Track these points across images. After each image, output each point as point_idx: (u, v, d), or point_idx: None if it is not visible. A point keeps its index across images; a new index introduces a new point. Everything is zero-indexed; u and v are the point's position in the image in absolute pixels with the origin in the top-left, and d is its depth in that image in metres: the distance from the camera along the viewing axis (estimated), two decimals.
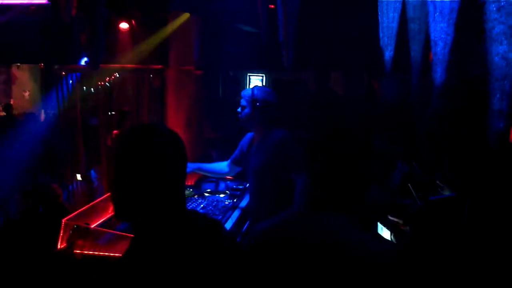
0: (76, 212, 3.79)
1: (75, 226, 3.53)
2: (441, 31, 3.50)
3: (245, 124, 4.07)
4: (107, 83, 7.06)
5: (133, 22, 6.64)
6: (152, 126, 1.73)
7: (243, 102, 3.99)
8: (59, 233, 3.53)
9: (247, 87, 9.42)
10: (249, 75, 9.31)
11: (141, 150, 1.63)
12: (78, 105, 6.90)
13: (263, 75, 9.28)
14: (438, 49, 3.55)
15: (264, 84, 9.00)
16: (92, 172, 6.41)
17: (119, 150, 1.66)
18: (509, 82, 2.42)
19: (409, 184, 3.48)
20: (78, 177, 6.25)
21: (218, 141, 6.68)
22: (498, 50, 2.41)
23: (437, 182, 2.37)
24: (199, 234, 1.70)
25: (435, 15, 3.51)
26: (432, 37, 3.58)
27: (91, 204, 4.08)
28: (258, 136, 4.05)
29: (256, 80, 9.31)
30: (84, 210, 3.89)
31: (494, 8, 2.39)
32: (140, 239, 1.65)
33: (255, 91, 3.95)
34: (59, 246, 3.50)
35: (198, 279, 1.61)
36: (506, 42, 2.37)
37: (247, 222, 4.61)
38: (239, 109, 4.02)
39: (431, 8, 3.54)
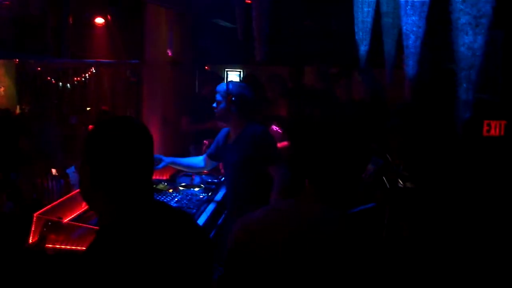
0: (48, 207, 3.76)
1: (47, 220, 3.50)
2: (412, 24, 3.54)
3: (221, 119, 4.12)
4: (83, 79, 6.99)
5: (108, 16, 6.56)
6: (120, 119, 1.83)
7: (218, 97, 4.03)
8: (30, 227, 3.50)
9: (225, 81, 9.42)
10: (227, 70, 9.32)
11: (109, 141, 1.70)
12: (54, 101, 6.82)
13: (241, 70, 9.29)
14: (410, 42, 3.58)
15: (241, 79, 9.02)
16: (69, 168, 6.35)
17: (89, 142, 1.73)
18: (474, 72, 2.46)
19: (383, 177, 3.53)
20: (53, 171, 6.17)
21: (196, 135, 6.65)
22: (464, 40, 2.45)
23: (403, 173, 2.40)
24: (165, 224, 1.73)
25: (407, 8, 3.55)
26: (404, 30, 3.62)
27: (63, 198, 4.05)
28: (234, 131, 4.09)
29: (233, 75, 9.32)
30: (56, 204, 3.86)
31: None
32: (106, 228, 1.68)
33: (230, 86, 3.98)
34: (30, 241, 3.46)
35: (163, 268, 1.61)
36: (471, 32, 2.41)
37: (222, 216, 4.62)
38: (214, 105, 4.06)
39: (402, 2, 3.57)
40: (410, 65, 3.59)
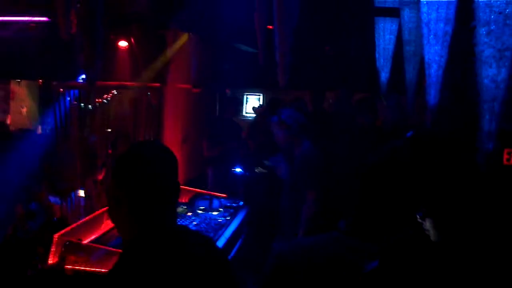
0: (69, 228, 3.79)
1: (67, 242, 3.53)
2: (435, 53, 3.54)
3: (286, 147, 4.38)
4: (105, 100, 7.09)
5: (132, 40, 6.68)
6: (147, 144, 1.96)
7: (274, 129, 4.35)
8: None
9: (244, 105, 9.48)
10: (246, 94, 9.39)
11: (139, 166, 1.75)
12: (76, 122, 6.92)
13: (261, 94, 9.36)
14: (432, 71, 3.58)
15: (261, 103, 9.08)
16: (89, 189, 6.42)
17: (119, 165, 1.78)
18: (498, 104, 2.46)
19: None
20: (81, 193, 6.26)
21: (215, 159, 6.69)
22: (488, 73, 2.45)
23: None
24: (187, 248, 1.77)
25: (429, 37, 3.55)
26: (426, 59, 3.62)
27: (84, 219, 4.08)
28: (296, 153, 4.35)
29: (253, 99, 9.39)
30: (77, 226, 3.89)
31: (484, 32, 2.44)
32: (129, 251, 1.72)
33: (282, 115, 4.32)
34: (50, 262, 3.49)
35: None
36: (495, 65, 2.42)
37: (240, 240, 4.62)
38: (274, 139, 4.38)
39: (425, 31, 3.58)
40: (432, 94, 3.58)
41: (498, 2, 2.39)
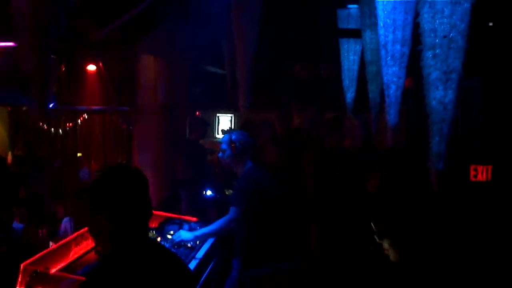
0: (36, 256, 3.73)
1: (34, 271, 3.48)
2: (393, 75, 3.64)
3: (228, 165, 4.62)
4: (75, 125, 7.05)
5: (100, 64, 6.68)
6: (119, 169, 2.20)
7: (223, 146, 4.57)
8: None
9: (216, 126, 9.51)
10: (218, 115, 9.42)
11: (113, 190, 2.04)
12: (46, 147, 6.85)
13: (232, 115, 9.39)
14: (391, 91, 3.68)
15: (232, 123, 9.12)
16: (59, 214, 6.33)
17: (95, 190, 2.06)
18: (446, 125, 2.54)
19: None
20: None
21: (187, 181, 6.69)
22: (435, 95, 2.53)
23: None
24: (157, 257, 2.08)
25: (387, 59, 3.66)
26: (384, 80, 3.72)
27: (52, 247, 4.02)
28: (239, 173, 4.58)
29: (225, 120, 9.42)
30: (45, 254, 3.83)
31: (430, 55, 2.52)
32: (109, 258, 2.01)
33: (233, 136, 4.55)
34: None
35: None
36: (442, 87, 2.50)
37: (210, 264, 4.61)
38: (220, 154, 4.60)
39: (383, 53, 3.68)
40: (392, 114, 3.68)
41: (443, 26, 2.47)
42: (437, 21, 2.44)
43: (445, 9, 2.44)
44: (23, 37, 3.57)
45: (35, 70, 3.49)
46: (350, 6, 5.96)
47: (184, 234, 4.54)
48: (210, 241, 4.74)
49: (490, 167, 4.48)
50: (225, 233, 4.49)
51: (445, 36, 2.43)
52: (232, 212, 4.35)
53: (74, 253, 4.11)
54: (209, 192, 6.31)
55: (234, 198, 4.48)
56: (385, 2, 3.63)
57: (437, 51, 2.48)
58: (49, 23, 3.60)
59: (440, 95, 2.50)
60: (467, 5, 2.48)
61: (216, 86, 7.28)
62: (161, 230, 4.95)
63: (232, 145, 4.50)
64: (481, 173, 4.45)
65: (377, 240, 2.50)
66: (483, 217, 4.03)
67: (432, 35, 2.49)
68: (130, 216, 2.03)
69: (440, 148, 2.53)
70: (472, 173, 4.47)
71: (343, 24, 6.04)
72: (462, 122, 4.70)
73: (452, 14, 2.44)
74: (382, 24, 3.66)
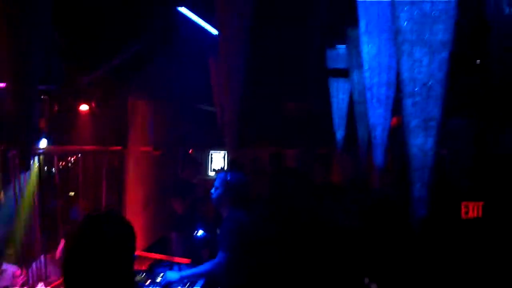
0: None
1: None
2: (379, 116, 3.67)
3: (217, 203, 4.47)
4: (68, 164, 7.05)
5: (93, 104, 6.73)
6: (103, 216, 2.09)
7: (217, 183, 4.43)
8: None
9: (209, 164, 9.53)
10: (211, 153, 9.44)
11: (97, 240, 1.97)
12: (37, 187, 6.82)
13: (225, 152, 9.42)
14: (377, 133, 3.71)
15: (225, 161, 9.14)
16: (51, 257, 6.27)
17: (74, 238, 2.00)
18: (427, 172, 2.55)
19: None
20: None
21: (178, 223, 6.66)
22: (416, 142, 2.56)
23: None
24: None
25: (373, 101, 3.69)
26: (370, 122, 3.75)
27: None
28: (224, 214, 4.46)
29: (218, 158, 9.44)
30: None
31: (410, 103, 2.56)
32: None
33: (229, 176, 4.42)
34: None
35: None
36: (422, 134, 2.53)
37: None
38: (212, 190, 4.45)
39: (368, 95, 3.72)
40: (378, 155, 3.69)
41: (421, 75, 2.51)
42: (415, 69, 2.49)
43: (423, 58, 2.49)
44: (9, 80, 3.58)
45: (21, 112, 3.50)
46: (339, 46, 6.06)
47: (170, 275, 4.49)
48: (199, 284, 4.70)
49: (481, 204, 4.48)
50: (213, 276, 4.39)
51: (424, 84, 2.47)
52: (219, 256, 4.26)
53: None
54: (200, 232, 6.26)
55: (220, 242, 4.35)
56: (370, 46, 3.70)
57: (417, 99, 2.51)
58: (35, 68, 3.63)
59: (420, 142, 2.53)
60: (444, 54, 2.53)
61: (209, 123, 7.31)
62: (151, 273, 4.91)
63: (227, 185, 4.39)
64: (472, 210, 4.45)
65: (367, 283, 2.50)
66: (475, 253, 4.02)
67: (412, 83, 2.53)
68: (110, 266, 1.95)
69: (421, 193, 2.54)
70: (464, 210, 4.47)
71: (332, 63, 6.13)
72: (450, 161, 4.73)
73: (430, 63, 2.49)
74: (367, 67, 3.72)
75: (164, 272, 4.84)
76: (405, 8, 2.50)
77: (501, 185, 4.41)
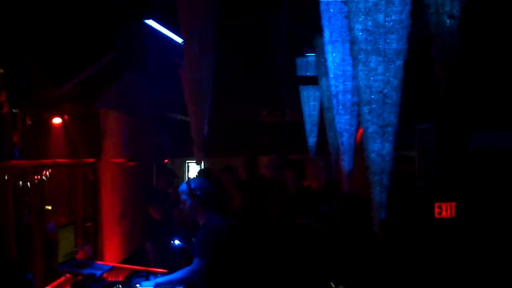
0: None
1: None
2: (345, 123, 3.76)
3: (191, 215, 4.42)
4: (43, 177, 7.00)
5: (66, 117, 6.71)
6: None
7: (183, 197, 4.32)
8: None
9: (186, 174, 9.54)
10: (188, 162, 9.46)
11: None
12: (11, 202, 6.77)
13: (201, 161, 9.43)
14: (344, 139, 3.79)
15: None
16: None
17: None
18: (386, 176, 2.63)
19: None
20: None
21: (154, 232, 6.68)
22: (374, 148, 2.64)
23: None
24: None
25: (339, 108, 3.78)
26: (337, 128, 3.83)
27: None
28: (201, 222, 4.37)
29: (194, 167, 9.45)
30: None
31: (367, 110, 2.64)
32: None
33: (191, 184, 4.31)
34: None
35: None
36: (379, 140, 2.61)
37: None
38: (181, 206, 4.40)
39: (334, 102, 3.81)
40: (346, 161, 3.77)
41: (377, 83, 2.60)
42: (371, 78, 2.58)
43: (378, 67, 2.57)
44: None
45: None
46: (308, 54, 6.15)
47: (145, 284, 4.43)
48: None
49: (454, 204, 4.58)
50: (188, 283, 4.34)
51: (380, 92, 2.55)
52: (195, 263, 4.21)
53: None
54: (177, 242, 6.27)
55: (196, 249, 4.28)
56: (334, 54, 3.79)
57: (373, 106, 2.60)
58: None
59: (378, 147, 2.61)
60: (399, 63, 2.62)
61: (184, 133, 7.33)
62: (128, 284, 4.91)
63: (192, 193, 4.28)
64: (445, 210, 4.54)
65: (333, 286, 2.56)
66: (448, 253, 4.12)
67: (368, 91, 2.61)
68: None
69: (382, 197, 2.62)
70: (437, 210, 4.56)
71: (301, 71, 6.21)
72: (418, 164, 4.83)
73: (385, 71, 2.58)
74: (332, 75, 3.80)
75: (141, 282, 4.85)
76: (360, 19, 2.60)
77: (471, 185, 4.52)
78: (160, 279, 4.42)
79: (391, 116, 2.61)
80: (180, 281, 4.33)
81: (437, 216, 4.60)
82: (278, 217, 5.29)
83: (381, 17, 2.56)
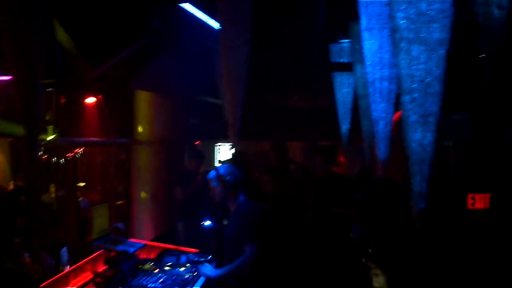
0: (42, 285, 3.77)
1: None
2: (381, 111, 3.74)
3: (222, 201, 4.34)
4: (76, 155, 7.15)
5: (100, 97, 6.81)
6: None
7: (213, 183, 4.28)
8: None
9: (216, 156, 9.60)
10: (218, 145, 9.52)
11: None
12: (46, 176, 6.93)
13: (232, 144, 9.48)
14: (380, 127, 3.77)
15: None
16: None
17: None
18: (426, 166, 2.63)
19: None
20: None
21: (185, 213, 6.76)
22: (415, 137, 2.63)
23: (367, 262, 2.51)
24: None
25: (375, 95, 3.76)
26: (373, 116, 3.82)
27: (48, 281, 4.08)
28: (232, 207, 4.31)
29: (225, 149, 9.51)
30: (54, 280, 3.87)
31: (408, 100, 2.63)
32: None
33: (220, 170, 4.27)
34: None
35: None
36: (420, 129, 2.60)
37: None
38: (211, 193, 4.31)
39: (371, 89, 3.79)
40: (382, 149, 3.76)
41: (419, 72, 2.58)
42: (413, 67, 2.56)
43: (420, 56, 2.56)
44: (13, 72, 3.66)
45: (25, 103, 3.59)
46: (342, 41, 6.10)
47: (208, 270, 4.26)
48: (199, 283, 4.76)
49: (488, 196, 4.53)
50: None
51: (422, 81, 2.54)
52: (248, 249, 4.03)
53: (73, 285, 4.16)
54: (207, 222, 6.33)
55: (244, 235, 4.11)
56: (371, 42, 3.76)
57: (415, 95, 2.59)
58: (38, 61, 3.70)
59: (419, 137, 2.60)
60: (442, 52, 2.60)
61: (215, 116, 7.37)
62: (159, 261, 5.00)
63: (222, 179, 4.24)
64: (479, 202, 4.49)
65: (366, 262, 2.56)
66: (481, 244, 4.10)
67: (409, 80, 2.60)
68: None
69: (422, 187, 2.61)
70: (470, 201, 4.51)
71: (335, 58, 6.17)
72: (454, 155, 4.77)
73: (427, 60, 2.56)
74: (369, 62, 3.78)
75: (172, 261, 4.91)
76: (402, 8, 2.58)
77: (506, 177, 4.46)
78: (219, 271, 4.24)
79: (433, 106, 2.59)
80: (240, 269, 4.12)
81: (470, 207, 4.55)
82: (313, 204, 5.28)
83: (423, 5, 2.54)
